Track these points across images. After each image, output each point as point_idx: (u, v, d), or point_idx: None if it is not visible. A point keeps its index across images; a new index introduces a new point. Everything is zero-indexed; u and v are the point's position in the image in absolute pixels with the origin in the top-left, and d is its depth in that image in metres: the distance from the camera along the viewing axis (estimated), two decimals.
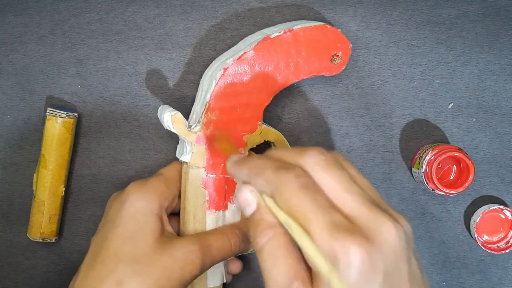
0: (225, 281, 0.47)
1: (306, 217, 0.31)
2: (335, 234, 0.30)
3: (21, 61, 0.50)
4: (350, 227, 0.31)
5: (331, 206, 0.32)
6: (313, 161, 0.34)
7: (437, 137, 0.52)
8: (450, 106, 0.51)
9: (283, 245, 0.33)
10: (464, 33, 0.51)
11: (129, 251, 0.40)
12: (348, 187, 0.33)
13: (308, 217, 0.31)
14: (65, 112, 0.48)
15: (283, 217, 0.33)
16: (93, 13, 0.50)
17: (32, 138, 0.51)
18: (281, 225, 0.33)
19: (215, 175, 0.45)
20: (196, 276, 0.41)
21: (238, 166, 0.37)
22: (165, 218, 0.43)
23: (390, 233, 0.31)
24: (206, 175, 0.45)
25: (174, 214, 0.47)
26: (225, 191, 0.46)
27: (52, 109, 0.48)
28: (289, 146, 0.48)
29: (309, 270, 0.33)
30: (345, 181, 0.33)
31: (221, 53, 0.49)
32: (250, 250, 0.47)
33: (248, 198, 0.35)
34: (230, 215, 0.46)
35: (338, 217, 0.31)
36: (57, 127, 0.48)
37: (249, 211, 0.35)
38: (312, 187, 0.33)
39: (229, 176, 0.46)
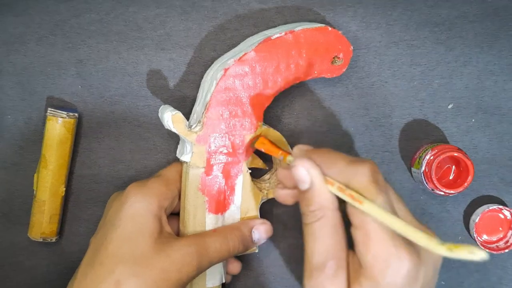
0: (224, 282, 0.48)
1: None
2: (395, 242, 0.34)
3: (21, 61, 0.50)
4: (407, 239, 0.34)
5: (395, 213, 0.36)
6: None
7: (436, 137, 0.52)
8: (449, 107, 0.52)
9: (329, 226, 0.37)
10: (463, 33, 0.51)
11: (127, 252, 0.40)
12: (403, 205, 0.38)
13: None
14: (65, 112, 0.48)
15: (348, 194, 0.36)
16: (93, 14, 0.50)
17: (32, 138, 0.51)
18: (331, 207, 0.37)
19: (214, 176, 0.45)
20: (193, 277, 0.42)
21: (310, 154, 0.39)
22: (164, 219, 0.43)
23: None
24: (206, 177, 0.45)
25: (175, 215, 0.47)
26: (225, 192, 0.46)
27: (52, 109, 0.48)
28: (289, 147, 0.48)
29: (348, 255, 0.37)
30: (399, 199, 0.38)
31: (221, 54, 0.49)
32: (250, 250, 0.47)
33: (303, 175, 0.38)
34: (230, 216, 0.47)
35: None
36: (57, 127, 0.48)
37: (302, 187, 0.38)
38: (383, 185, 0.36)
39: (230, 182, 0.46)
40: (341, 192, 0.37)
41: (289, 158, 0.42)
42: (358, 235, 0.36)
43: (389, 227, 0.34)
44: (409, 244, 0.35)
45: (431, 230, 0.37)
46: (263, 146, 0.45)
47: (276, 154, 0.44)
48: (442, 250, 0.32)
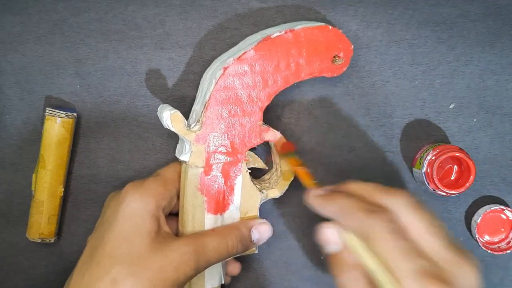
0: (223, 283, 0.47)
1: (395, 263, 0.34)
2: (422, 281, 0.33)
3: (20, 61, 0.50)
4: (434, 272, 0.34)
5: (418, 252, 0.35)
6: (402, 203, 0.37)
7: (438, 137, 0.51)
8: (451, 107, 0.51)
9: (363, 285, 0.37)
10: (465, 32, 0.51)
11: (124, 251, 0.40)
12: (433, 230, 0.36)
13: (398, 264, 0.34)
14: (64, 112, 0.48)
15: (372, 263, 0.36)
16: (92, 13, 0.50)
17: (31, 138, 0.51)
18: (362, 266, 0.37)
19: (213, 176, 0.45)
20: (191, 277, 0.41)
21: (324, 202, 0.40)
22: (162, 219, 0.43)
23: (471, 277, 0.34)
24: (205, 177, 0.45)
25: (174, 215, 0.47)
26: (224, 191, 0.46)
27: (51, 109, 0.48)
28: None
29: None
30: (430, 224, 0.36)
31: (221, 53, 0.49)
32: (249, 251, 0.47)
33: (334, 237, 0.38)
34: (229, 216, 0.46)
35: (424, 263, 0.34)
36: (56, 127, 0.48)
37: (333, 249, 0.39)
38: (401, 233, 0.36)
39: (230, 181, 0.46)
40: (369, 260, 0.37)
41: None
42: None
43: None
44: None
45: (473, 259, 0.36)
46: (297, 170, 0.45)
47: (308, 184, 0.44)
48: None
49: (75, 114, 0.49)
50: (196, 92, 0.49)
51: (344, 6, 0.50)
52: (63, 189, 0.49)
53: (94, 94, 0.51)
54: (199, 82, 0.48)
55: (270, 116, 0.51)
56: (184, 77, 0.50)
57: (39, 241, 0.49)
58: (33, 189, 0.49)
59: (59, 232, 0.51)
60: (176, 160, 0.48)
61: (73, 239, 0.51)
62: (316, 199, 0.41)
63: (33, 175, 0.49)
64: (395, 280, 0.34)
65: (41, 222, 0.49)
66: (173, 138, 0.51)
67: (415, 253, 0.35)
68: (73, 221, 0.51)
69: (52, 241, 0.50)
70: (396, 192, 0.38)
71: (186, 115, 0.47)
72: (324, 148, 0.51)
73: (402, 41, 0.51)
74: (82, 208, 0.51)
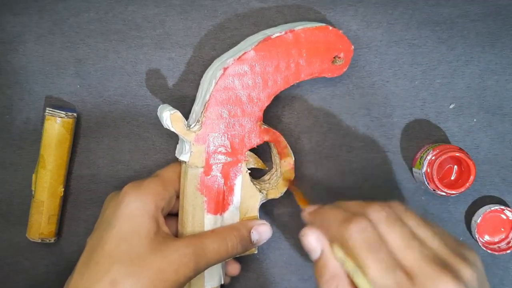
0: (223, 283, 0.47)
1: (369, 273, 0.35)
2: None
3: (20, 61, 0.50)
4: (409, 286, 0.33)
5: (393, 263, 0.35)
6: (375, 217, 0.37)
7: (438, 137, 0.51)
8: (451, 107, 0.51)
9: None
10: (465, 32, 0.51)
11: (124, 252, 0.40)
12: (408, 243, 0.35)
13: (372, 275, 0.34)
14: (64, 112, 0.48)
15: (351, 266, 0.36)
16: (92, 13, 0.50)
17: (31, 138, 0.51)
18: (345, 272, 0.37)
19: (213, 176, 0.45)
20: (191, 278, 0.41)
21: (312, 217, 0.42)
22: (161, 219, 0.43)
23: None
24: (205, 177, 0.45)
25: (174, 215, 0.47)
26: (224, 192, 0.46)
27: (51, 109, 0.48)
28: (289, 147, 0.48)
29: None
30: (406, 237, 0.36)
31: (221, 53, 0.49)
32: (249, 252, 0.47)
33: (313, 244, 0.39)
34: (229, 216, 0.46)
35: (398, 277, 0.34)
36: (56, 127, 0.48)
37: (313, 256, 0.39)
38: (375, 242, 0.36)
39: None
40: (345, 261, 0.37)
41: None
42: None
43: None
44: None
45: (470, 249, 0.37)
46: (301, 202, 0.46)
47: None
48: None
49: (75, 114, 0.49)
50: (196, 92, 0.49)
51: (344, 6, 0.50)
52: (63, 189, 0.49)
53: (94, 94, 0.50)
54: (199, 82, 0.48)
55: (270, 116, 0.51)
56: (184, 77, 0.50)
57: (39, 241, 0.49)
58: (33, 189, 0.49)
59: (59, 232, 0.51)
60: (176, 160, 0.48)
61: (73, 239, 0.51)
62: (307, 214, 0.42)
63: (33, 175, 0.49)
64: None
65: (41, 222, 0.49)
66: (173, 138, 0.51)
67: (389, 265, 0.34)
68: (73, 221, 0.51)
69: (52, 241, 0.50)
70: (367, 206, 0.38)
71: (186, 115, 0.47)
72: (324, 148, 0.51)
73: (402, 41, 0.51)
74: (82, 208, 0.51)
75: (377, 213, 0.37)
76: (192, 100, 0.48)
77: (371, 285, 0.34)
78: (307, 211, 0.43)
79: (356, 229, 0.36)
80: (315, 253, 0.39)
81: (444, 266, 0.34)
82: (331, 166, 0.51)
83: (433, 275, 0.33)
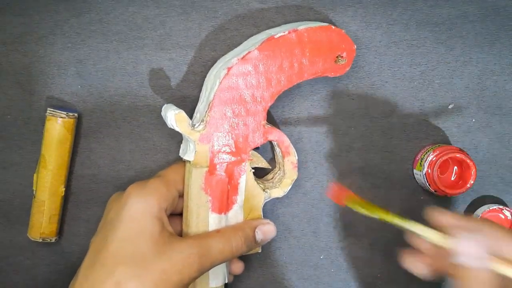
0: (227, 282, 0.47)
1: None
2: None
3: (21, 61, 0.50)
4: None
5: None
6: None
7: (436, 137, 0.52)
8: (450, 107, 0.52)
9: None
10: (464, 33, 0.51)
11: (128, 253, 0.40)
12: None
13: None
14: (65, 112, 0.48)
15: None
16: (93, 13, 0.50)
17: (32, 138, 0.51)
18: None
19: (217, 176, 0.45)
20: (195, 278, 0.41)
21: (466, 229, 0.40)
22: (165, 220, 0.43)
23: None
24: (209, 176, 0.45)
25: (178, 215, 0.47)
26: (228, 191, 0.46)
27: (52, 109, 0.48)
28: (292, 146, 0.48)
29: None
30: None
31: (221, 54, 0.49)
32: (253, 251, 0.47)
33: (473, 251, 0.39)
34: (233, 215, 0.46)
35: None
36: (57, 127, 0.48)
37: (468, 262, 0.39)
38: None
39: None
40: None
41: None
42: None
43: None
44: None
45: None
46: (355, 206, 0.44)
47: (373, 213, 0.43)
48: None
49: (76, 114, 0.49)
50: (197, 92, 0.49)
51: (344, 6, 0.51)
52: (64, 189, 0.49)
53: (95, 95, 0.51)
54: (200, 83, 0.49)
55: (270, 116, 0.51)
56: (185, 78, 0.51)
57: (40, 240, 0.49)
58: (34, 188, 0.49)
59: (60, 232, 0.51)
60: (176, 160, 0.48)
61: (74, 239, 0.51)
62: (454, 222, 0.41)
63: (34, 175, 0.49)
64: None
65: (42, 221, 0.49)
66: (174, 139, 0.51)
67: None
68: (74, 220, 0.51)
69: (53, 240, 0.50)
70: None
71: (187, 115, 0.47)
72: (324, 148, 0.52)
73: (401, 41, 0.51)
74: (83, 208, 0.51)
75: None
76: (193, 100, 0.49)
77: None
78: (452, 217, 0.42)
79: None
80: (475, 261, 0.39)
81: None
82: (331, 166, 0.52)
83: None
